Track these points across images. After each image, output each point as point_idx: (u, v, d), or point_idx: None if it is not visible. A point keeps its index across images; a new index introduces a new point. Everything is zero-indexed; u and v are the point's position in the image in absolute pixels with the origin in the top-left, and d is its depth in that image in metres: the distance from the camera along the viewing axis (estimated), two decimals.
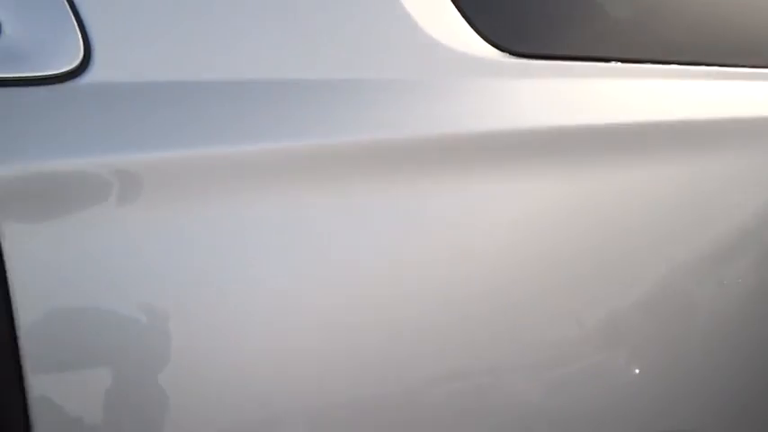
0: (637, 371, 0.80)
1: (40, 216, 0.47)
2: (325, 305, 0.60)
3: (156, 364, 0.54)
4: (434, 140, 0.67)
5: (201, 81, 0.55)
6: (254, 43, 0.59)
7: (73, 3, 0.52)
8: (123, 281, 0.51)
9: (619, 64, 0.83)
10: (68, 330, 0.50)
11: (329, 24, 0.64)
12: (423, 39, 0.68)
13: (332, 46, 0.64)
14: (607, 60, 0.82)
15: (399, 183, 0.64)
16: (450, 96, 0.70)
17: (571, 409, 0.76)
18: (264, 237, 0.57)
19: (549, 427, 0.76)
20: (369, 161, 0.63)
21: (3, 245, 0.45)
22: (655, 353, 0.81)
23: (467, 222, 0.68)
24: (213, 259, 0.55)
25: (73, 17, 0.52)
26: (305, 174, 0.59)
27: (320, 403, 0.61)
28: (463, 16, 0.70)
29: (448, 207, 0.67)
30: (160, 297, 0.53)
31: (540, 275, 0.72)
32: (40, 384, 0.49)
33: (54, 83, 0.50)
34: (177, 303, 0.54)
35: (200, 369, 0.56)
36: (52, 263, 0.48)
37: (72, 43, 0.51)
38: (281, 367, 0.59)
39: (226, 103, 0.55)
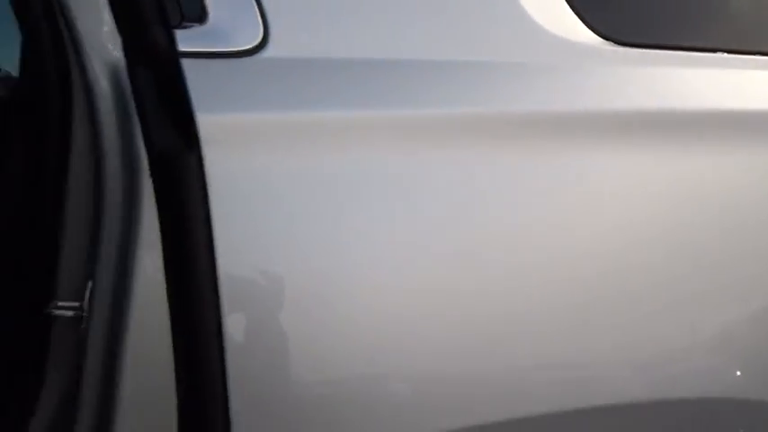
0: None
1: (239, 159, 0.63)
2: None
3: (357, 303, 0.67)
4: (536, 116, 0.77)
5: (352, 58, 0.70)
6: (396, 29, 0.73)
7: None
8: (320, 221, 0.66)
9: (722, 54, 0.88)
10: (266, 270, 0.65)
11: (457, 14, 0.77)
12: (533, 27, 0.78)
13: (457, 33, 0.76)
14: (705, 51, 0.87)
15: (509, 151, 0.74)
16: (556, 78, 0.80)
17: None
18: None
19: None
20: (481, 130, 0.74)
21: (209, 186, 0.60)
22: None
23: (559, 192, 0.77)
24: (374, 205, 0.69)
25: (256, 6, 0.67)
26: (431, 138, 0.72)
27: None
28: (570, 6, 0.80)
29: (547, 176, 0.76)
30: (356, 238, 0.67)
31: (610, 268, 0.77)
32: (235, 323, 0.63)
33: (241, 56, 0.66)
34: (375, 248, 0.68)
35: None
36: (250, 200, 0.63)
37: (255, 27, 0.67)
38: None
39: (370, 75, 0.70)
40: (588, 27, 0.80)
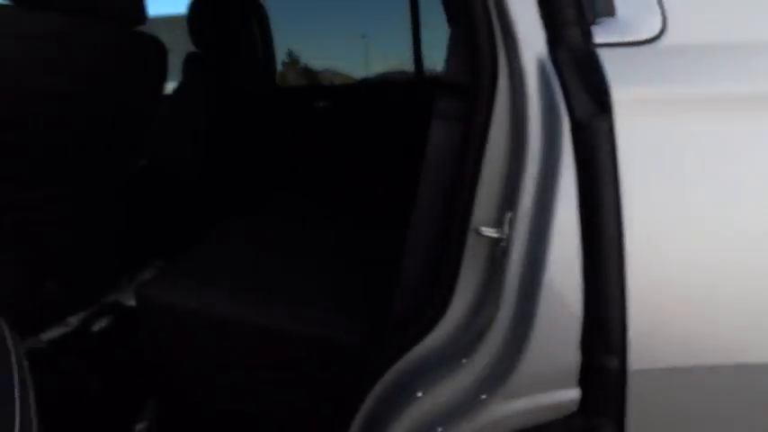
0: None
1: (644, 122, 0.79)
2: None
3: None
4: None
5: (739, 41, 0.83)
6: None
7: None
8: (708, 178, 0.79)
9: None
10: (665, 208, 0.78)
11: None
12: None
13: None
14: None
15: None
16: None
17: None
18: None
19: None
20: None
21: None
22: None
23: None
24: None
25: (657, 2, 0.84)
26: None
27: None
28: None
29: None
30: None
31: None
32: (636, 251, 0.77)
33: (643, 44, 0.83)
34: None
35: None
36: (652, 156, 0.78)
37: (655, 20, 0.84)
38: None
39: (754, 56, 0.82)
40: None
